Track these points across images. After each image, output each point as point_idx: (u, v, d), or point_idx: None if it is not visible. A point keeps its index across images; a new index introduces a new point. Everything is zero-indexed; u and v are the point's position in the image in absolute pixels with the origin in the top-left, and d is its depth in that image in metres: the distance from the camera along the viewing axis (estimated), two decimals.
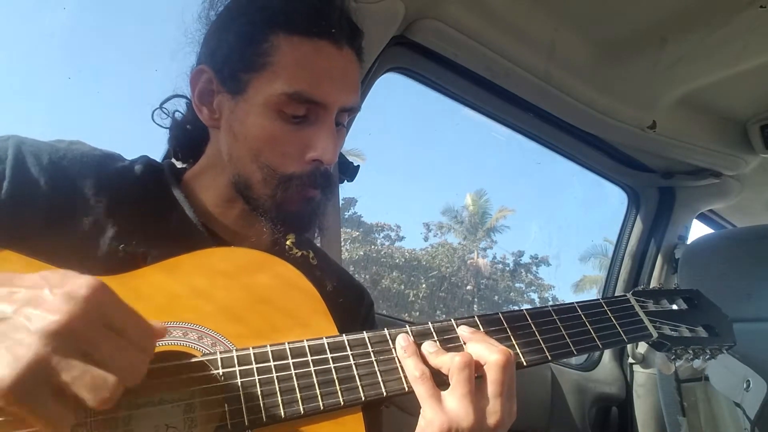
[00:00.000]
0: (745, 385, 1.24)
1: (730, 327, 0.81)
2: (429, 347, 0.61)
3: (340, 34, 0.69)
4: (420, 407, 0.58)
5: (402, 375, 0.59)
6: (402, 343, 0.60)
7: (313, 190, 0.71)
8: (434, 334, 0.64)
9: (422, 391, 0.57)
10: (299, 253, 0.80)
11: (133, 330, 0.45)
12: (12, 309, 0.41)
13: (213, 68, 0.71)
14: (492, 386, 0.58)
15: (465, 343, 0.63)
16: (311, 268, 0.80)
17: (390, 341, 0.61)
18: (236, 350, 0.56)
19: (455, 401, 0.56)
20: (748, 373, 1.23)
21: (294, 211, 0.71)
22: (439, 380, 0.59)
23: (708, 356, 0.78)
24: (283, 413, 0.53)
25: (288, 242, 0.78)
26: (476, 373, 0.59)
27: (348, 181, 1.23)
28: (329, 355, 0.58)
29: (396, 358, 0.60)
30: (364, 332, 0.61)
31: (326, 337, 0.59)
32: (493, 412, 0.57)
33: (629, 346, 1.70)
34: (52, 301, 0.41)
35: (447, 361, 0.59)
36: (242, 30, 0.69)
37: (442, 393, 0.57)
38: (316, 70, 0.68)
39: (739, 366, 1.25)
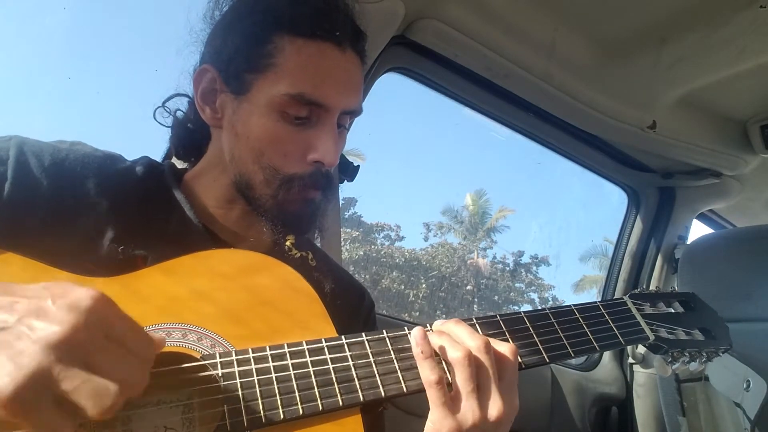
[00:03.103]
0: (745, 385, 1.23)
1: (726, 330, 0.81)
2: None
3: (344, 36, 0.70)
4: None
5: (401, 377, 0.59)
6: (419, 341, 0.59)
7: (314, 191, 0.71)
8: None
9: (437, 397, 0.56)
10: (298, 254, 0.80)
11: (133, 340, 0.45)
12: (14, 319, 0.41)
13: (217, 68, 0.72)
14: (483, 379, 0.57)
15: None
16: (310, 269, 0.80)
17: (389, 343, 0.61)
18: (235, 351, 0.56)
19: (462, 402, 0.56)
20: (748, 373, 1.23)
21: (295, 211, 0.71)
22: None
23: (704, 359, 0.78)
24: (282, 414, 0.53)
25: (287, 243, 0.78)
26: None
27: (348, 181, 1.23)
28: (328, 357, 0.58)
29: (394, 359, 0.60)
30: (363, 334, 0.61)
31: (325, 339, 0.59)
32: (495, 404, 0.57)
33: (629, 347, 1.70)
34: (54, 312, 0.41)
35: (447, 346, 0.58)
36: (247, 31, 0.69)
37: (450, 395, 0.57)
38: (320, 72, 0.68)
39: (739, 366, 1.25)
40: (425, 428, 0.56)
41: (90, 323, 0.42)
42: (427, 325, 0.65)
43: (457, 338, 0.60)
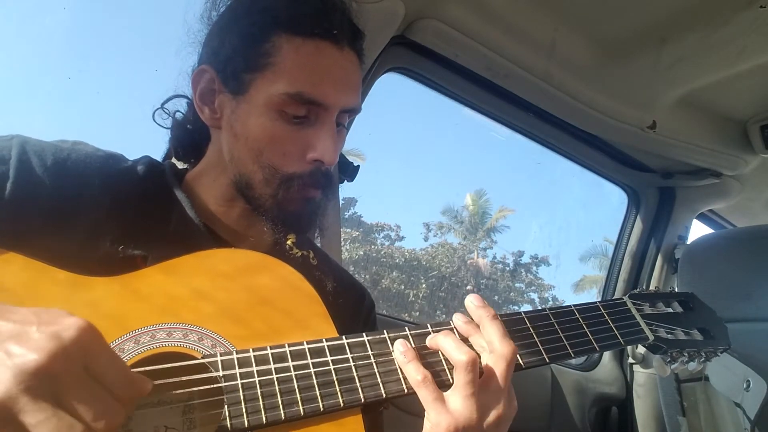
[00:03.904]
0: (745, 385, 1.23)
1: (724, 330, 0.81)
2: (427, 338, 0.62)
3: (342, 35, 0.70)
4: (421, 408, 0.58)
5: (401, 376, 0.59)
6: (401, 348, 0.60)
7: (314, 190, 0.71)
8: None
9: (426, 395, 0.56)
10: (299, 253, 0.80)
11: (114, 378, 0.43)
12: None
13: (215, 68, 0.72)
14: (492, 381, 0.58)
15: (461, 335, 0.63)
16: (311, 268, 0.80)
17: (389, 343, 0.61)
18: (236, 352, 0.56)
19: (459, 402, 0.56)
20: (748, 373, 1.23)
21: (295, 211, 0.71)
22: (439, 381, 0.58)
23: (703, 359, 0.78)
24: (283, 414, 0.53)
25: (288, 242, 0.78)
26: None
27: (348, 181, 1.23)
28: (329, 357, 0.58)
29: (396, 362, 0.60)
30: (364, 334, 0.61)
31: (326, 339, 0.59)
32: (495, 406, 0.57)
33: (629, 347, 1.70)
34: (36, 339, 0.40)
35: (450, 350, 0.58)
36: (245, 30, 0.69)
37: (445, 394, 0.57)
38: (318, 70, 0.68)
39: (739, 366, 1.25)
40: (423, 427, 0.56)
41: (70, 354, 0.41)
42: (428, 324, 0.65)
43: (486, 338, 0.61)
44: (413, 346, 0.61)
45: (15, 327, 0.41)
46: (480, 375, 0.58)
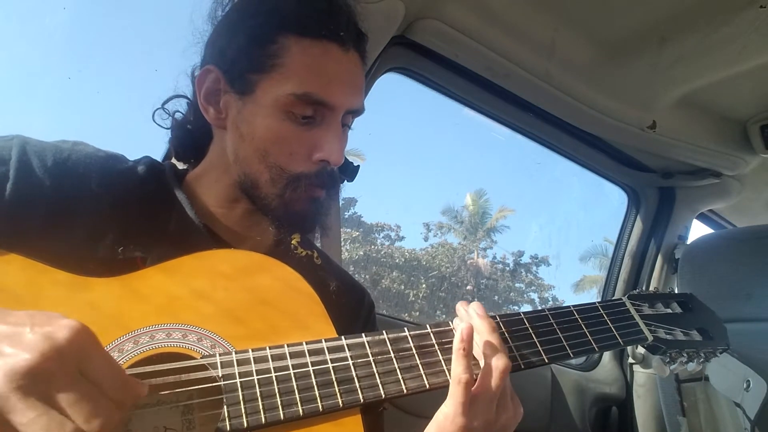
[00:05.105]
0: (745, 385, 1.23)
1: (723, 330, 0.81)
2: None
3: (348, 37, 0.70)
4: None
5: (400, 377, 0.59)
6: (465, 337, 0.59)
7: (320, 189, 0.72)
8: (432, 336, 0.64)
9: (460, 395, 0.57)
10: (304, 253, 0.80)
11: (108, 380, 0.43)
12: None
13: (221, 68, 0.71)
14: (494, 391, 0.59)
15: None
16: (315, 268, 0.80)
17: (388, 344, 0.61)
18: (235, 352, 0.56)
19: (479, 404, 0.58)
20: (748, 373, 1.23)
21: (300, 210, 0.72)
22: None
23: (702, 359, 0.78)
24: (282, 414, 0.53)
25: (293, 242, 0.78)
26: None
27: (348, 181, 1.23)
28: (328, 357, 0.58)
29: (394, 359, 0.60)
30: (363, 335, 0.61)
31: (325, 339, 0.59)
32: (504, 410, 0.59)
33: (629, 347, 1.70)
34: (29, 339, 0.40)
35: (493, 353, 0.60)
36: (252, 31, 0.69)
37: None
38: (325, 72, 0.68)
39: (739, 366, 1.25)
40: (436, 415, 0.58)
41: (64, 354, 0.41)
42: (428, 325, 0.65)
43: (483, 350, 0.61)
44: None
45: (8, 328, 0.42)
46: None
